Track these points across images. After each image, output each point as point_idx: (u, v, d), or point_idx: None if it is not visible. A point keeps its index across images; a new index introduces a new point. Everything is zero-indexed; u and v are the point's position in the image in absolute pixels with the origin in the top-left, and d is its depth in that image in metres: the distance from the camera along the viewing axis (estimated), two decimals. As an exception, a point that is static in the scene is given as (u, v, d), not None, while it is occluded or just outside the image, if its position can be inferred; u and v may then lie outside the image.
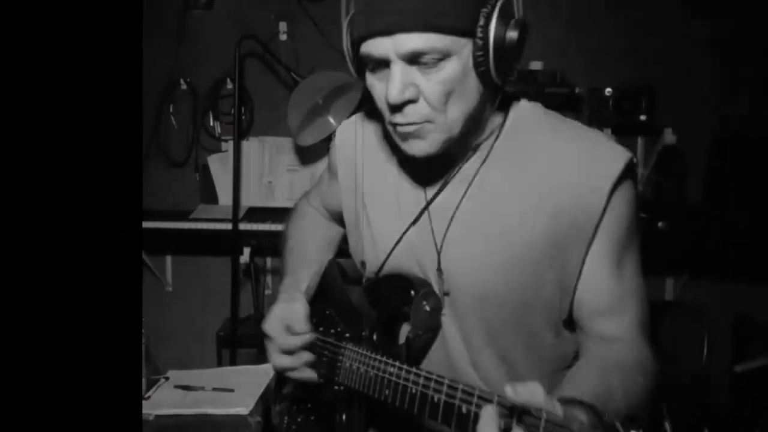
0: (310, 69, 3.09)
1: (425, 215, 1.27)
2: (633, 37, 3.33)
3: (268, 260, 3.55)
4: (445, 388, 1.00)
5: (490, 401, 0.91)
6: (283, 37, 3.40)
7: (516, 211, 1.18)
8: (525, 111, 1.25)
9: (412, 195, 1.30)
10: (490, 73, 1.07)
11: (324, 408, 1.35)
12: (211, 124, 3.48)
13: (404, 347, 1.24)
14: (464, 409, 0.95)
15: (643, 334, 1.22)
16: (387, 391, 1.14)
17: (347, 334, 1.34)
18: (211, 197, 3.43)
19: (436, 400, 1.01)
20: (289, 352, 1.31)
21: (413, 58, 1.05)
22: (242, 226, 3.07)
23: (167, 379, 1.98)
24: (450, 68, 1.06)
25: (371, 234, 1.35)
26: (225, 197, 3.37)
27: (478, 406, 0.93)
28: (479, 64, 1.06)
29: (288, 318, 1.31)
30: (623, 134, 3.23)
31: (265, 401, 1.80)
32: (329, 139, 1.47)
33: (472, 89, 1.10)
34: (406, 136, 1.14)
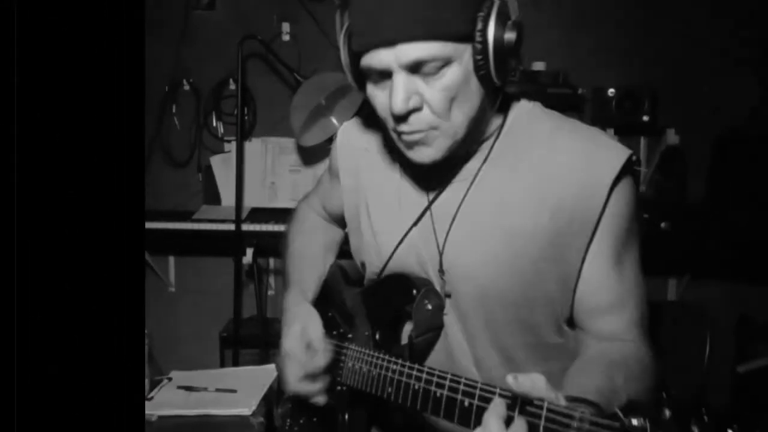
0: (312, 69, 3.08)
1: (427, 216, 1.27)
2: (635, 38, 3.33)
3: (271, 261, 3.54)
4: (447, 383, 1.01)
5: (492, 394, 0.92)
6: (286, 37, 3.40)
7: (518, 209, 1.18)
8: (525, 110, 1.25)
9: (414, 196, 1.30)
10: (491, 75, 1.07)
11: (326, 408, 1.35)
12: (214, 124, 3.47)
13: (407, 347, 1.24)
14: (467, 403, 0.96)
15: (642, 333, 1.22)
16: (390, 389, 1.15)
17: (350, 335, 1.34)
18: (213, 198, 3.43)
19: (438, 395, 1.02)
20: (311, 376, 1.30)
21: (415, 68, 1.05)
22: (245, 227, 3.06)
23: (170, 379, 1.98)
24: (452, 74, 1.06)
25: (373, 235, 1.35)
26: (228, 198, 3.37)
27: (481, 400, 0.94)
28: (480, 68, 1.06)
29: (308, 336, 1.32)
30: (626, 134, 3.23)
31: (268, 402, 1.80)
32: (332, 139, 1.47)
33: (474, 93, 1.10)
34: (411, 144, 1.14)
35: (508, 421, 0.87)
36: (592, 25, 3.35)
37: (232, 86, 3.41)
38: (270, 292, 3.56)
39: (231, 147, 3.41)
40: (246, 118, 3.38)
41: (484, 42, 1.04)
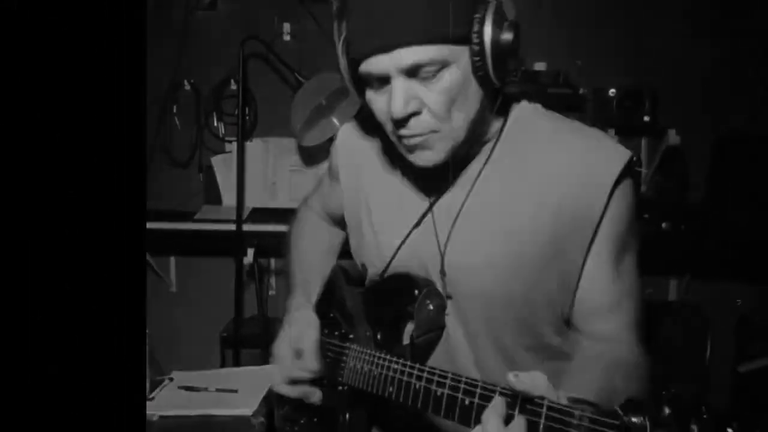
0: (313, 70, 3.09)
1: (428, 217, 1.27)
2: (636, 38, 3.32)
3: (272, 261, 3.54)
4: (448, 382, 1.01)
5: (492, 393, 0.92)
6: (287, 37, 3.40)
7: (519, 210, 1.18)
8: (525, 111, 1.25)
9: (416, 197, 1.30)
10: (490, 76, 1.07)
11: (327, 408, 1.35)
12: (215, 124, 3.47)
13: (408, 347, 1.24)
14: (467, 402, 0.97)
15: (636, 335, 1.23)
16: (391, 388, 1.15)
17: (351, 336, 1.34)
18: (214, 198, 3.43)
19: (439, 394, 1.02)
20: (294, 382, 1.32)
21: (413, 71, 1.05)
22: (246, 227, 3.06)
23: (171, 379, 1.99)
24: (450, 77, 1.06)
25: (374, 236, 1.35)
26: (229, 198, 3.37)
27: (481, 398, 0.94)
28: (478, 69, 1.06)
29: (300, 344, 1.32)
30: (626, 135, 3.22)
31: (269, 402, 1.80)
32: (333, 139, 1.48)
33: (473, 95, 1.10)
34: (412, 148, 1.14)
35: (508, 420, 0.87)
36: (592, 26, 3.35)
37: (233, 86, 3.41)
38: (271, 292, 3.55)
39: (232, 147, 3.41)
40: (247, 118, 3.37)
41: (481, 43, 1.04)
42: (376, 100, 1.14)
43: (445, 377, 1.02)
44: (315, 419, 1.40)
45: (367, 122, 1.41)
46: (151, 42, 1.00)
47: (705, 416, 0.75)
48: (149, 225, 2.94)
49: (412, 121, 1.10)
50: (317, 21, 3.33)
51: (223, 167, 3.42)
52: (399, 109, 1.07)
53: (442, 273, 1.25)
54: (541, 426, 0.84)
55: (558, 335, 1.25)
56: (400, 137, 1.14)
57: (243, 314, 3.30)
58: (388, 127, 1.15)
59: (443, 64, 1.05)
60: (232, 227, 3.04)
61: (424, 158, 1.15)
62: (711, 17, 3.29)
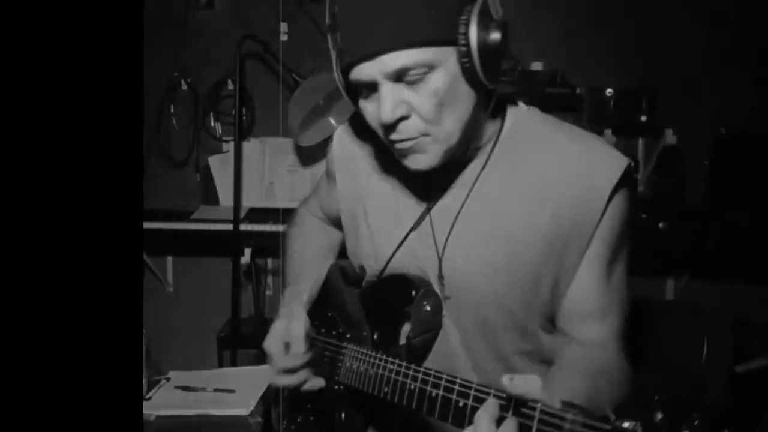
0: (311, 70, 3.09)
1: (426, 221, 1.27)
2: (634, 38, 3.33)
3: (269, 261, 3.54)
4: (443, 383, 1.01)
5: (486, 395, 0.92)
6: (284, 37, 3.40)
7: (517, 215, 1.18)
8: (523, 115, 1.25)
9: (413, 200, 1.30)
10: (479, 77, 1.07)
11: (323, 408, 1.35)
12: (212, 124, 3.47)
13: (405, 347, 1.24)
14: (461, 404, 0.96)
15: (620, 342, 1.23)
16: (386, 389, 1.15)
17: (348, 335, 1.34)
18: (212, 198, 3.43)
19: (434, 395, 1.02)
20: (290, 371, 1.32)
21: (399, 76, 1.06)
22: (243, 227, 3.07)
23: (168, 379, 1.99)
24: (437, 80, 1.06)
25: (371, 239, 1.35)
26: (226, 198, 3.37)
27: (475, 400, 0.94)
28: (466, 71, 1.06)
29: (287, 336, 1.32)
30: (624, 135, 3.22)
31: (266, 402, 1.80)
32: (330, 139, 1.48)
33: (464, 96, 1.10)
34: (405, 153, 1.14)
35: (500, 421, 0.87)
36: (590, 25, 3.35)
37: (231, 86, 3.41)
38: (268, 293, 3.55)
39: (229, 147, 3.41)
40: (244, 118, 3.38)
41: (468, 45, 1.04)
42: (367, 107, 1.14)
43: (440, 378, 1.02)
44: (311, 418, 1.40)
45: (363, 125, 1.41)
46: (148, 41, 1.00)
47: (697, 422, 0.75)
48: (146, 225, 2.94)
49: (402, 126, 1.10)
50: (315, 21, 3.33)
51: (221, 167, 3.41)
52: (387, 114, 1.07)
53: (440, 276, 1.25)
54: (534, 429, 0.84)
55: (549, 336, 1.25)
56: (392, 142, 1.14)
57: (240, 314, 3.30)
58: (381, 133, 1.15)
59: (429, 67, 1.05)
60: (229, 227, 3.04)
61: (418, 162, 1.15)
62: (709, 16, 3.29)
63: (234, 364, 3.07)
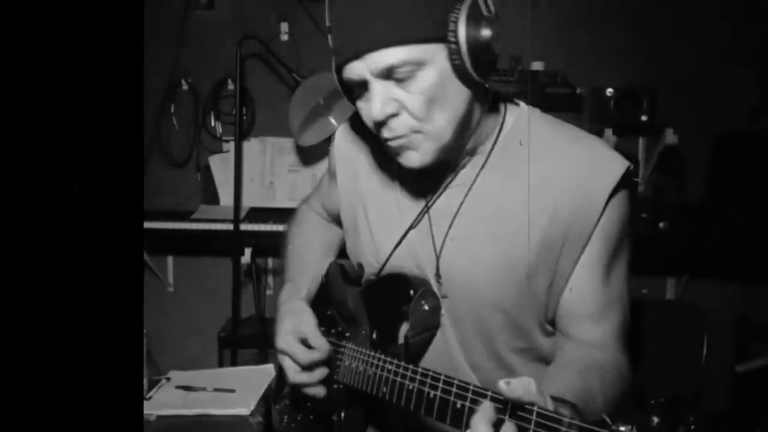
0: (311, 69, 3.09)
1: (425, 219, 1.27)
2: (634, 37, 3.33)
3: (270, 260, 3.54)
4: (441, 384, 1.01)
5: (484, 397, 0.92)
6: (285, 37, 3.40)
7: (515, 215, 1.18)
8: (523, 116, 1.25)
9: (413, 199, 1.30)
10: (470, 74, 1.07)
11: (323, 407, 1.35)
12: (213, 124, 3.47)
13: (403, 346, 1.24)
14: (459, 405, 0.96)
15: (621, 342, 1.23)
16: (384, 389, 1.15)
17: (347, 334, 1.34)
18: (212, 198, 3.43)
19: (431, 396, 1.02)
20: (308, 368, 1.31)
21: (388, 74, 1.06)
22: (243, 227, 3.07)
23: (168, 379, 1.98)
24: (427, 77, 1.06)
25: (371, 236, 1.35)
26: (226, 198, 3.37)
27: (473, 402, 0.94)
28: (457, 68, 1.06)
29: (301, 332, 1.31)
30: (624, 134, 3.22)
31: (266, 402, 1.80)
32: (331, 139, 1.48)
33: (455, 93, 1.10)
34: (398, 150, 1.15)
35: (498, 425, 0.87)
36: (590, 25, 3.35)
37: (231, 86, 3.42)
38: (268, 292, 3.55)
39: (229, 147, 3.41)
40: (244, 117, 3.38)
41: (457, 42, 1.04)
42: (362, 107, 1.15)
43: (438, 379, 1.02)
44: (311, 417, 1.40)
45: (364, 124, 1.41)
46: (148, 41, 1.00)
47: (693, 426, 0.75)
48: (147, 224, 2.95)
49: (393, 123, 1.10)
50: (315, 21, 3.33)
51: (221, 167, 3.42)
52: (377, 111, 1.08)
53: (438, 274, 1.25)
54: None
55: (546, 336, 1.26)
56: (385, 140, 1.14)
57: (240, 314, 3.30)
58: (374, 131, 1.15)
59: (418, 65, 1.05)
60: (230, 227, 3.04)
61: (410, 159, 1.15)
62: (709, 16, 3.29)
63: (234, 364, 3.07)
